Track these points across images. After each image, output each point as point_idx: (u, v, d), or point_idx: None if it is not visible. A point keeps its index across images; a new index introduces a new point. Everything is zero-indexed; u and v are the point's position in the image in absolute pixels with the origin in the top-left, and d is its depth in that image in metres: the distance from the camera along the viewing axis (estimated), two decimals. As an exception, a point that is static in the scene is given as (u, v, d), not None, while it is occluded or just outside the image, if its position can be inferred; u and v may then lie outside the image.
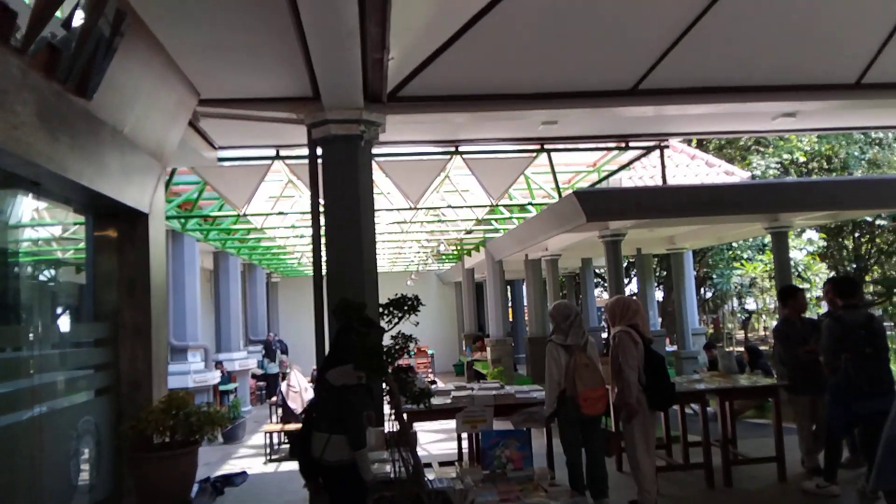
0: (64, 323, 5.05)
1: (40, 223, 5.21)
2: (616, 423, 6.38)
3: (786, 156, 18.78)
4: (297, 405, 10.29)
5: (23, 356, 4.00)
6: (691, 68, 6.28)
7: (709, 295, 22.11)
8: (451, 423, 5.87)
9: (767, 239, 14.13)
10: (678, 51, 5.92)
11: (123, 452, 4.87)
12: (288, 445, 10.31)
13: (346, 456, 3.88)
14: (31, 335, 4.12)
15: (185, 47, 5.00)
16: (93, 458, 4.67)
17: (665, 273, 20.62)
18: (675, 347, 14.46)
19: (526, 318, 18.39)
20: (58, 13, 3.56)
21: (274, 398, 11.18)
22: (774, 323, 8.68)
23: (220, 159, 7.90)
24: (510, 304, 23.17)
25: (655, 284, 18.90)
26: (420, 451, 4.29)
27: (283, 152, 8.05)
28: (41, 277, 5.23)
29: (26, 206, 4.48)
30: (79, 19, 3.75)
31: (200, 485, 6.68)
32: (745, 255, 18.55)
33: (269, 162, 8.22)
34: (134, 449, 4.68)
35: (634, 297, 5.94)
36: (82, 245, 5.17)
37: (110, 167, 4.51)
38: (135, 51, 4.45)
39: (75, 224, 5.19)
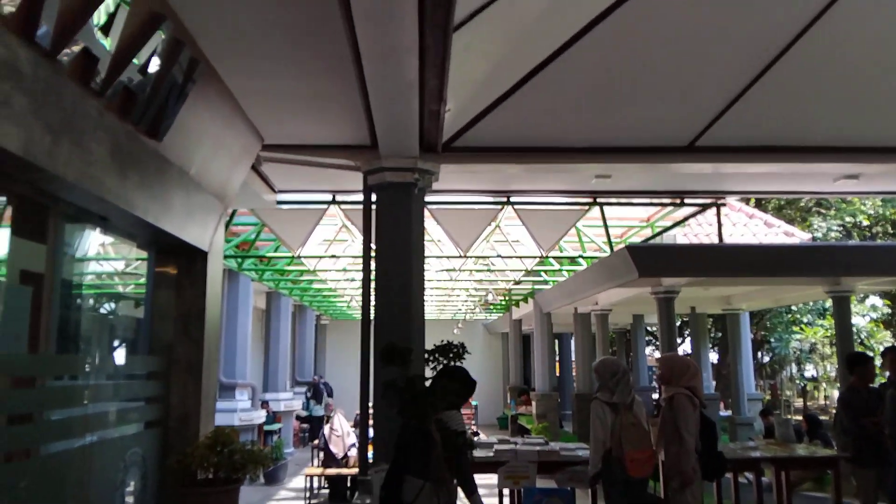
0: (120, 355, 5.20)
1: (105, 257, 5.43)
2: (665, 489, 6.13)
3: (848, 218, 18.23)
4: (338, 449, 10.24)
5: (78, 385, 4.12)
6: (751, 126, 6.20)
7: (766, 359, 21.31)
8: (493, 478, 5.75)
9: (828, 303, 13.62)
10: (738, 108, 5.87)
11: (168, 486, 4.92)
12: (328, 490, 10.24)
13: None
14: (87, 365, 4.25)
15: (252, 94, 5.22)
16: (138, 490, 4.73)
17: (720, 334, 20.01)
18: (729, 412, 13.92)
19: (573, 374, 18.04)
20: (135, 59, 3.79)
21: (316, 441, 11.17)
22: (836, 392, 8.29)
23: (279, 202, 8.13)
24: (557, 358, 22.79)
25: (710, 345, 18.33)
26: (460, 505, 4.20)
27: (339, 197, 8.24)
28: (101, 310, 5.42)
29: (93, 241, 4.68)
30: (154, 66, 3.98)
31: (239, 525, 6.68)
32: (804, 319, 17.89)
33: (325, 206, 8.42)
34: (178, 484, 4.72)
35: (690, 358, 5.76)
36: (143, 280, 5.35)
37: (175, 206, 4.69)
38: (205, 96, 4.68)
39: (138, 259, 5.39)
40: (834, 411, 18.51)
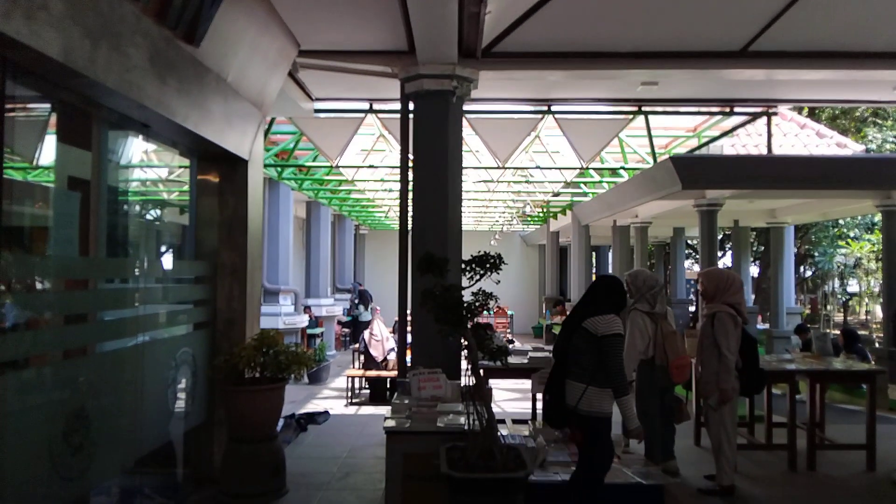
0: (167, 260, 5.37)
1: (149, 164, 5.52)
2: (697, 400, 6.24)
3: (906, 129, 17.36)
4: (378, 353, 10.59)
5: (129, 288, 4.30)
6: (808, 30, 5.85)
7: (808, 274, 20.98)
8: (527, 384, 5.91)
9: (878, 217, 13.20)
10: (794, 11, 5.52)
11: (216, 384, 5.19)
12: (368, 391, 10.68)
13: (601, 407, 3.90)
14: (137, 269, 4.41)
15: (287, -3, 5.10)
16: (188, 388, 5.00)
17: (763, 248, 19.68)
18: (766, 325, 13.88)
19: (610, 285, 18.06)
20: (170, -39, 3.70)
21: (357, 345, 11.56)
22: (878, 307, 8.16)
23: (317, 111, 8.08)
24: (594, 271, 22.81)
25: (751, 259, 18.09)
26: (495, 408, 4.35)
27: (376, 106, 8.14)
28: (148, 216, 5.56)
29: (136, 148, 4.75)
30: (189, -32, 3.89)
31: (286, 420, 7.06)
32: (851, 234, 17.43)
33: (362, 115, 8.35)
34: (226, 382, 4.97)
35: (734, 272, 5.67)
36: (186, 187, 5.45)
37: (214, 113, 4.70)
38: (240, 0, 4.58)
39: (180, 167, 5.47)
40: (875, 326, 18.30)
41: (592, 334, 3.90)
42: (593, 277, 21.96)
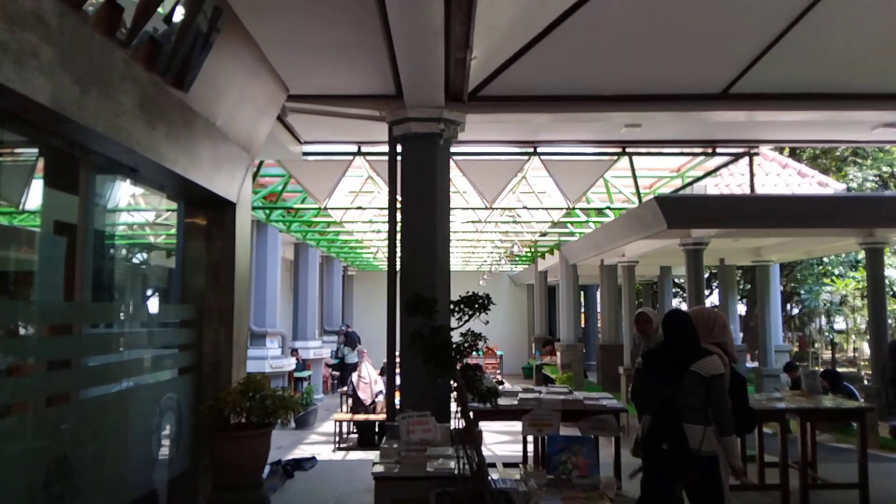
0: (153, 304, 5.32)
1: (136, 208, 5.51)
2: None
3: (885, 168, 17.71)
4: (366, 396, 10.48)
5: (114, 333, 4.25)
6: (787, 72, 6.00)
7: (795, 312, 21.09)
8: (517, 426, 5.84)
9: (861, 255, 13.36)
10: (774, 54, 5.67)
11: (202, 430, 5.09)
12: (357, 435, 10.52)
13: (715, 445, 4.13)
14: (122, 314, 4.37)
15: (276, 43, 5.18)
16: (173, 434, 4.91)
17: (749, 286, 19.81)
18: (755, 364, 13.89)
19: (598, 325, 18.08)
20: (160, 9, 3.76)
21: (345, 388, 11.44)
22: (865, 344, 8.20)
23: (305, 153, 8.14)
24: (583, 310, 22.82)
25: (738, 297, 18.18)
26: (485, 451, 4.29)
27: (364, 148, 8.22)
28: (134, 260, 5.53)
29: (124, 192, 4.75)
30: (179, 15, 3.95)
31: (272, 467, 6.92)
32: (836, 272, 17.60)
33: (350, 158, 8.41)
34: (212, 427, 4.88)
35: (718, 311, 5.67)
36: (173, 231, 5.44)
37: (203, 157, 4.72)
38: (229, 46, 4.65)
39: (168, 210, 5.47)
40: (863, 363, 18.36)
41: (703, 377, 4.14)
42: (582, 317, 22.02)
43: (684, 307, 15.79)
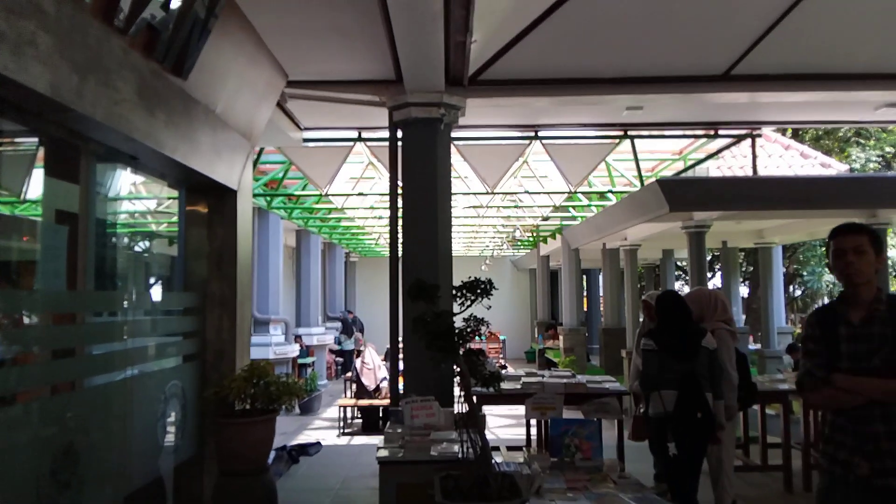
0: (156, 292, 5.33)
1: (137, 197, 5.51)
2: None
3: (888, 149, 17.62)
4: (370, 381, 10.53)
5: (118, 321, 4.26)
6: (789, 53, 5.95)
7: (798, 293, 21.09)
8: (521, 410, 5.86)
9: (865, 236, 13.31)
10: (776, 34, 5.62)
11: (207, 417, 5.12)
12: (361, 420, 10.58)
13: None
14: (125, 302, 4.38)
15: (275, 29, 5.15)
16: (178, 421, 4.93)
17: (751, 268, 19.80)
18: (758, 346, 13.91)
19: (601, 309, 18.10)
20: (158, -5, 3.74)
21: (349, 374, 11.49)
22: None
23: (305, 140, 8.12)
24: (585, 294, 22.84)
25: (741, 279, 18.18)
26: (488, 435, 4.32)
27: (364, 134, 8.19)
28: (136, 248, 5.54)
29: (125, 180, 4.74)
30: (176, 1, 3.92)
31: (277, 452, 6.97)
32: (839, 253, 17.54)
33: (351, 144, 8.39)
34: (216, 414, 4.91)
35: (719, 291, 5.73)
36: (175, 219, 5.43)
37: (203, 144, 4.71)
38: (228, 32, 4.62)
39: (169, 198, 5.46)
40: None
41: (710, 350, 4.68)
42: (584, 301, 22.02)
43: (686, 290, 15.80)
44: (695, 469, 4.74)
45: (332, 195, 10.53)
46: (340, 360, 17.67)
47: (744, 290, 20.45)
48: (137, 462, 4.29)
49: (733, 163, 13.55)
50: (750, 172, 10.10)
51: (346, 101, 6.47)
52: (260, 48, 5.29)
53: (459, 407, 4.03)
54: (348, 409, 10.44)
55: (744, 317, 17.92)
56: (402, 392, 6.08)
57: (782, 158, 14.14)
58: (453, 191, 6.66)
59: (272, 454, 5.88)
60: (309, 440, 8.26)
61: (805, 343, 2.83)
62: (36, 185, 3.88)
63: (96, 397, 3.90)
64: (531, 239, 18.35)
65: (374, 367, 10.69)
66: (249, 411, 4.97)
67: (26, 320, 3.41)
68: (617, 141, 8.62)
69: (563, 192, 10.60)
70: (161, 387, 4.69)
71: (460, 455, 4.01)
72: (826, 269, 17.37)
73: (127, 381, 4.19)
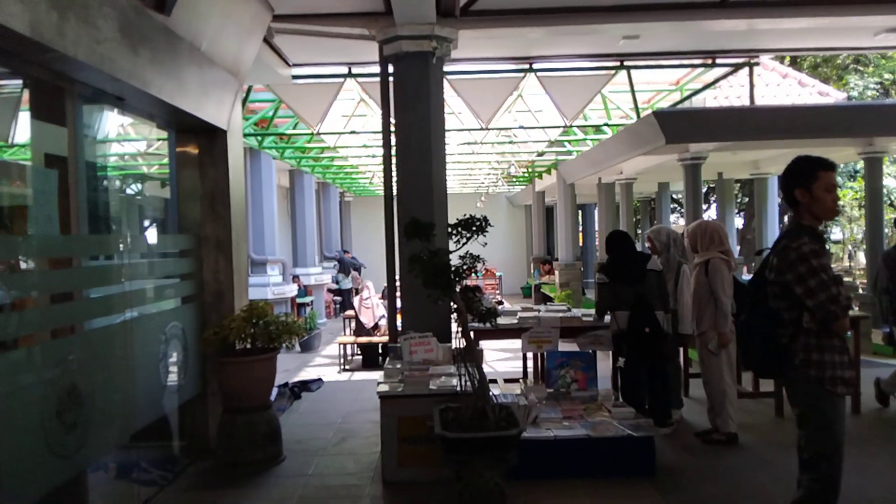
0: (151, 234, 5.32)
1: (126, 138, 5.42)
2: (685, 352, 6.36)
3: (887, 76, 17.35)
4: (368, 319, 10.65)
5: (114, 264, 4.26)
6: (789, -23, 5.80)
7: (792, 223, 21.15)
8: (517, 343, 5.97)
9: (860, 165, 13.28)
10: (776, -43, 5.46)
11: (208, 357, 5.20)
12: (361, 357, 10.75)
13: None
14: (120, 245, 4.37)
15: (258, -39, 4.97)
16: (180, 361, 5.00)
17: (747, 199, 19.80)
18: (752, 276, 14.04)
19: (597, 243, 18.17)
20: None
21: (350, 311, 11.61)
22: (862, 255, 8.27)
23: (295, 77, 7.95)
24: (581, 229, 22.88)
25: (735, 211, 18.19)
26: (486, 369, 4.40)
27: (355, 70, 8.02)
28: (128, 191, 5.49)
29: (113, 122, 4.66)
30: (155, -67, 3.77)
31: (279, 389, 7.11)
32: (834, 182, 17.54)
33: (341, 80, 8.22)
34: (217, 354, 4.98)
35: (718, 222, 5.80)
36: (166, 160, 5.36)
37: (189, 83, 4.60)
38: (209, -35, 4.46)
39: (159, 140, 5.38)
40: (859, 272, 18.58)
41: (658, 271, 5.45)
42: (580, 236, 22.08)
43: (682, 223, 15.81)
44: (650, 378, 5.41)
45: (324, 133, 10.39)
46: (339, 299, 17.82)
47: (739, 222, 20.52)
48: (141, 402, 4.37)
49: (730, 93, 13.37)
50: (747, 102, 9.97)
51: (334, 35, 6.31)
52: (244, -19, 5.12)
53: (457, 342, 4.09)
54: (348, 347, 10.60)
55: (738, 247, 18.04)
56: (400, 329, 6.16)
57: (780, 87, 13.95)
58: (447, 127, 6.57)
59: (275, 391, 5.99)
60: (310, 377, 8.42)
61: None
62: (23, 128, 3.81)
63: (97, 340, 3.94)
64: (526, 175, 18.25)
65: (372, 305, 10.80)
66: (250, 350, 5.04)
67: (22, 265, 3.41)
68: (613, 72, 8.47)
69: (559, 127, 10.48)
70: (161, 328, 4.74)
71: (459, 388, 4.11)
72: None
73: (127, 324, 4.22)
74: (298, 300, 14.07)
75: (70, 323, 3.74)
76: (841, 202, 17.29)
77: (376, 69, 6.44)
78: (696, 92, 10.33)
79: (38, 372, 3.31)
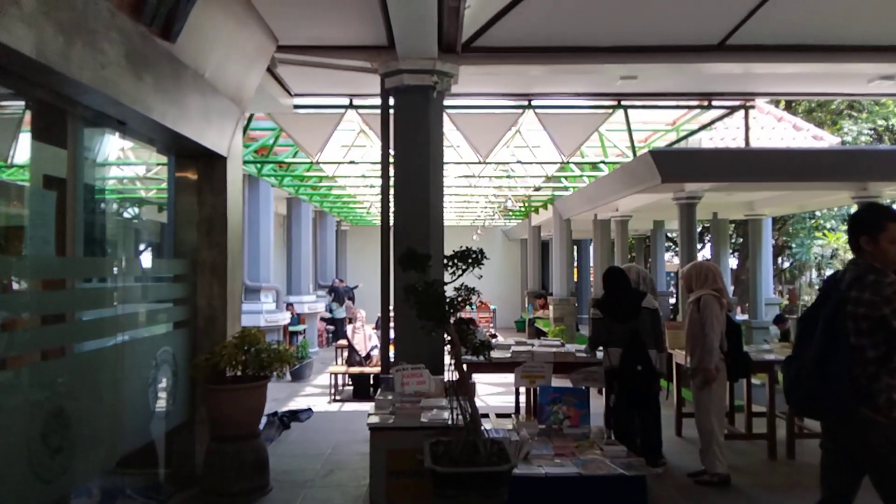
0: (146, 258, 5.32)
1: (126, 162, 5.44)
2: (679, 390, 6.32)
3: (881, 122, 17.60)
4: (361, 349, 10.59)
5: (108, 287, 4.24)
6: (784, 24, 5.91)
7: (786, 265, 21.25)
8: (510, 378, 5.93)
9: (853, 209, 13.41)
10: (770, 5, 5.57)
11: (198, 383, 5.15)
12: (352, 387, 10.66)
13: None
14: (115, 268, 4.36)
15: (264, -8, 5.05)
16: (170, 387, 4.95)
17: (741, 239, 19.90)
18: (745, 316, 14.05)
19: (591, 279, 18.19)
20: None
21: (342, 341, 11.54)
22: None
23: (296, 106, 8.03)
24: (576, 264, 22.93)
25: (730, 251, 18.27)
26: (478, 403, 4.37)
27: (356, 101, 8.10)
28: (125, 214, 5.50)
29: (113, 146, 4.69)
30: (164, -38, 3.83)
31: (269, 418, 7.03)
32: (827, 225, 17.67)
33: (342, 111, 8.30)
34: (208, 381, 4.93)
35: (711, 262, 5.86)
36: (164, 185, 5.38)
37: (192, 110, 4.65)
38: (216, -5, 4.54)
39: (158, 164, 5.40)
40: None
41: (652, 310, 5.50)
42: (575, 271, 22.11)
43: (676, 261, 15.84)
44: (641, 417, 5.45)
45: (323, 163, 10.46)
46: (332, 328, 17.73)
47: (733, 262, 20.59)
48: (129, 427, 4.32)
49: (726, 134, 13.54)
50: (742, 144, 10.09)
51: (337, 66, 6.39)
52: (249, 11, 5.20)
53: (450, 375, 4.07)
54: (339, 377, 10.51)
55: (732, 287, 18.06)
56: (392, 360, 6.12)
57: (775, 130, 14.14)
58: (445, 159, 6.62)
59: (264, 420, 5.92)
60: (300, 406, 8.33)
61: None
62: (23, 149, 3.83)
63: (87, 363, 3.90)
64: (523, 209, 18.34)
65: (364, 334, 10.75)
66: (241, 378, 5.00)
67: (15, 286, 3.39)
68: (610, 111, 8.58)
69: (556, 163, 10.57)
70: (152, 353, 4.70)
71: (450, 422, 4.06)
72: (814, 241, 17.47)
73: (118, 347, 4.19)
74: (291, 328, 14.00)
75: (60, 344, 3.71)
76: (834, 245, 17.42)
77: (377, 101, 6.51)
78: (692, 133, 10.46)
79: (25, 394, 3.27)
